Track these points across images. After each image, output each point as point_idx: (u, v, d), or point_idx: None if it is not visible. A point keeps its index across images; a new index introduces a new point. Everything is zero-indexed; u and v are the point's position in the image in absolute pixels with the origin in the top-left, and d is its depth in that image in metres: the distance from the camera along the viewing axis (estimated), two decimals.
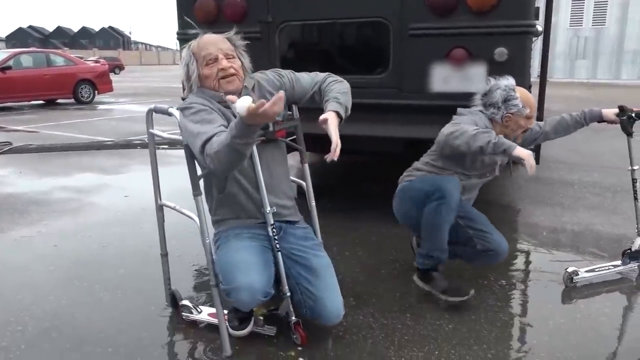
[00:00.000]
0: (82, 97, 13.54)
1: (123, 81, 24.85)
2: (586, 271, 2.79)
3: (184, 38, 3.96)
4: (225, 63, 2.08)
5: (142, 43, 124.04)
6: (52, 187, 4.80)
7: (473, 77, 3.28)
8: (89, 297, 2.62)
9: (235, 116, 1.97)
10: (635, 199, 2.91)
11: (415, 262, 2.62)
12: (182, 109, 2.04)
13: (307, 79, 2.30)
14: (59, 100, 13.54)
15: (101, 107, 12.95)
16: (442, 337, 2.25)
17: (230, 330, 2.16)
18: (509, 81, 2.58)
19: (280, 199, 2.20)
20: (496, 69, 3.22)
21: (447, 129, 2.48)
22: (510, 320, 2.42)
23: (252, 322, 2.21)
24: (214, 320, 2.20)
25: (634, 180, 2.91)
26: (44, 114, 11.11)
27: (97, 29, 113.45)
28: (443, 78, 3.35)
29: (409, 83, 3.45)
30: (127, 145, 7.13)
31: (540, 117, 3.89)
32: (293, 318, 2.15)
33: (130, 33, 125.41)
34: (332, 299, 2.07)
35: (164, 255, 2.46)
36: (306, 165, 2.41)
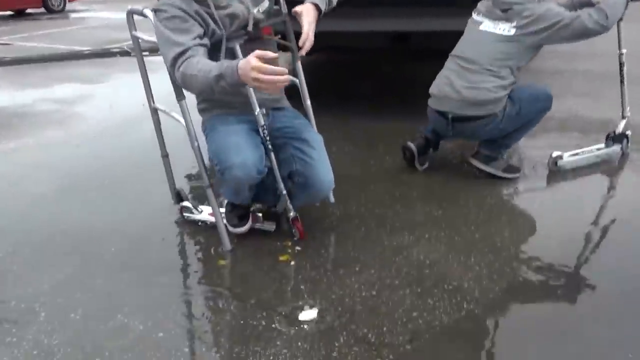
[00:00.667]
0: (52, 5, 12.81)
1: None
2: (570, 155, 2.86)
3: None
4: None
5: None
6: (33, 99, 4.68)
7: None
8: (87, 204, 2.65)
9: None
10: (622, 82, 2.91)
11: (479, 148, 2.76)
12: (155, 11, 1.92)
13: None
14: (29, 10, 12.83)
15: (74, 15, 12.31)
16: (432, 221, 2.34)
17: (230, 228, 2.22)
18: None
19: (270, 94, 2.15)
20: None
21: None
22: (498, 202, 2.52)
23: (249, 220, 2.27)
24: (213, 219, 2.26)
25: (621, 65, 2.89)
26: (14, 26, 10.57)
27: None
28: None
29: None
30: (106, 53, 6.87)
31: None
32: (291, 214, 2.18)
33: None
34: (325, 169, 2.07)
35: (165, 156, 2.43)
36: (299, 63, 2.30)
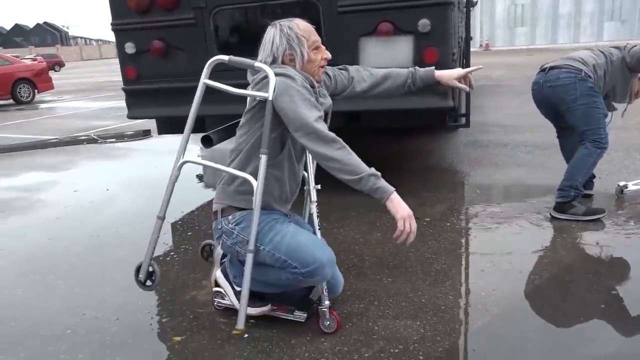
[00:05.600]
0: (21, 97, 13.11)
1: (65, 78, 24.04)
2: (633, 184, 3.52)
3: (119, 29, 3.98)
4: (329, 54, 2.15)
5: (81, 37, 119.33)
6: None
7: (401, 49, 3.46)
8: (44, 287, 2.69)
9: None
10: None
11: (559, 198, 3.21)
12: (282, 74, 1.96)
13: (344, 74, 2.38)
14: None
15: (43, 105, 12.57)
16: (382, 289, 2.45)
17: (252, 310, 2.13)
18: None
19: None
20: (421, 40, 3.42)
21: None
22: (444, 268, 2.65)
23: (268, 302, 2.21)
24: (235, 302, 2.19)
25: None
26: None
27: (31, 25, 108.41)
28: (373, 52, 3.52)
29: (342, 59, 3.59)
30: (73, 141, 7.03)
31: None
32: (326, 302, 2.09)
33: (67, 28, 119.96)
34: (337, 271, 2.21)
35: (161, 218, 2.21)
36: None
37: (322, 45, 2.14)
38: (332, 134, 1.90)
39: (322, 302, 2.10)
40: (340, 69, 2.41)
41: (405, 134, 5.69)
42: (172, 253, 3.06)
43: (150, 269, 2.19)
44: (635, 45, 3.27)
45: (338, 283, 2.23)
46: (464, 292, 2.40)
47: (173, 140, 6.62)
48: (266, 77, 1.97)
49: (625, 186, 3.52)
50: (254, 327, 2.17)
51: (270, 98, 1.93)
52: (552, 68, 3.25)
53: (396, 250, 2.86)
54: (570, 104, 3.15)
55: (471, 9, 8.50)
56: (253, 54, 4.13)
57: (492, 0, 27.23)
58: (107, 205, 4.03)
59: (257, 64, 2.03)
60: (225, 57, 2.12)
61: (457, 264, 2.70)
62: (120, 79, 4.11)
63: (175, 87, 3.91)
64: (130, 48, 3.96)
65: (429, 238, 3.00)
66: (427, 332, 2.08)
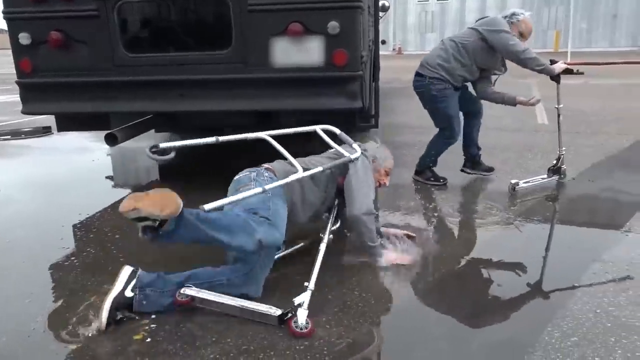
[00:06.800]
0: None
1: None
2: (524, 182, 3.87)
3: (11, 17, 3.70)
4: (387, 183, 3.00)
5: None
6: None
7: (311, 50, 3.51)
8: None
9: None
10: (559, 128, 3.99)
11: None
12: (365, 156, 2.77)
13: None
14: None
15: None
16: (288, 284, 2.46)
17: None
18: None
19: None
20: (331, 42, 3.49)
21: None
22: (348, 266, 2.71)
23: None
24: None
25: (558, 115, 3.96)
26: None
27: None
28: (283, 51, 3.54)
29: (253, 57, 3.58)
30: None
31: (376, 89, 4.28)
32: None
33: None
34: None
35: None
36: None
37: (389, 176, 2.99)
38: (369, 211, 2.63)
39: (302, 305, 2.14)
40: None
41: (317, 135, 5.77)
42: (72, 257, 2.89)
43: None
44: (483, 17, 3.94)
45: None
46: (368, 288, 2.47)
47: (75, 138, 6.28)
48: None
49: (517, 184, 3.83)
50: (156, 331, 2.11)
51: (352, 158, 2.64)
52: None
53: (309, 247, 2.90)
54: (425, 107, 4.05)
55: (384, 14, 8.81)
56: (160, 50, 4.04)
57: (404, 6, 28.34)
58: None
59: (355, 144, 2.79)
60: (337, 130, 2.90)
61: (364, 262, 2.78)
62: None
63: (76, 82, 3.70)
64: (25, 39, 3.69)
65: (340, 235, 3.06)
66: (333, 328, 2.13)
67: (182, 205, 2.00)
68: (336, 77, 3.53)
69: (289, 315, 2.11)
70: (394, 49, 27.37)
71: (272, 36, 3.51)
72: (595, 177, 4.11)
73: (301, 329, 2.08)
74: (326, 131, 2.83)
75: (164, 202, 1.95)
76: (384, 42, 12.18)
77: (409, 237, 2.96)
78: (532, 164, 4.65)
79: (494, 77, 4.06)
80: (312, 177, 2.53)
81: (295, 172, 2.35)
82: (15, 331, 2.16)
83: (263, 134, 2.48)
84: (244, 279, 2.30)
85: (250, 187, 2.33)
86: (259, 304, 2.19)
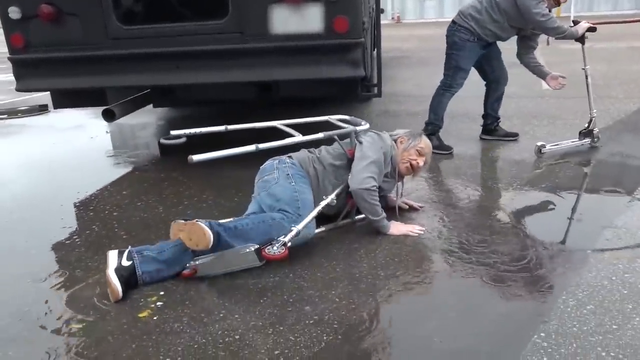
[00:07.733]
0: None
1: None
2: (551, 145, 3.86)
3: None
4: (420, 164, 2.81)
5: None
6: None
7: (310, 17, 3.39)
8: None
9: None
10: (587, 90, 3.93)
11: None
12: (378, 134, 2.76)
13: None
14: None
15: None
16: (296, 260, 2.41)
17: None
18: None
19: None
20: (331, 8, 3.37)
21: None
22: (357, 238, 2.66)
23: None
24: None
25: (587, 77, 3.93)
26: None
27: None
28: (282, 19, 3.42)
29: (250, 27, 3.47)
30: None
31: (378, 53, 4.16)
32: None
33: None
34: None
35: None
36: None
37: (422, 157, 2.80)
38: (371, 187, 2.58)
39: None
40: None
41: (318, 105, 5.66)
42: (74, 236, 2.84)
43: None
44: None
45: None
46: (376, 260, 2.42)
47: (73, 115, 6.17)
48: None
49: (544, 146, 3.84)
50: (162, 309, 2.07)
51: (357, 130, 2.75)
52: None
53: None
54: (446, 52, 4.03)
55: None
56: (154, 21, 3.91)
57: None
58: None
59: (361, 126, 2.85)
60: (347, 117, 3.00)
61: (371, 233, 2.73)
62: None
63: (70, 57, 3.60)
64: (15, 13, 3.57)
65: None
66: (342, 301, 2.08)
67: (212, 238, 2.19)
68: (337, 45, 3.42)
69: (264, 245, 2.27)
70: (392, 18, 26.91)
71: (269, 4, 3.39)
72: (603, 142, 4.03)
73: (274, 253, 2.19)
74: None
75: (195, 239, 2.21)
76: (382, 10, 11.94)
77: (412, 208, 2.92)
78: (538, 130, 4.57)
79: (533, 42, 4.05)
80: (332, 169, 2.69)
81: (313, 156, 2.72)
82: (19, 312, 2.12)
83: (273, 123, 2.72)
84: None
85: (273, 175, 2.58)
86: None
